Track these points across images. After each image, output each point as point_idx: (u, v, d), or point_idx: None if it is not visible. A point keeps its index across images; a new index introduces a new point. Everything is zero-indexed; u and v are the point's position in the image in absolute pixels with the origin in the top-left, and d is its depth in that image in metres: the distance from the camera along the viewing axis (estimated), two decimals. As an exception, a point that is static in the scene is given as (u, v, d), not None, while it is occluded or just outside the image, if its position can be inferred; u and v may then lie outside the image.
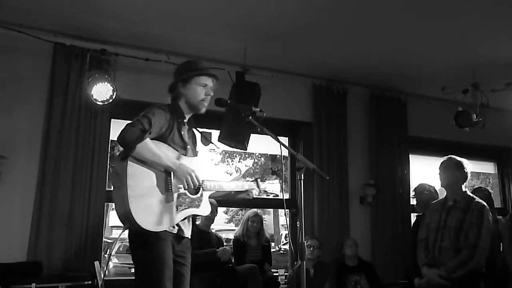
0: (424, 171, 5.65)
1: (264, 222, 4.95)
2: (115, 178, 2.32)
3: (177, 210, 2.37)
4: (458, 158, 3.60)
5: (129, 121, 2.28)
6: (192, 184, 2.40)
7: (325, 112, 5.17)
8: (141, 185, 2.25)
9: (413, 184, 5.00)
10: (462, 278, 3.27)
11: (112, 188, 2.38)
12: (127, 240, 2.42)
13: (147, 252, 2.29)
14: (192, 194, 2.48)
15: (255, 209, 4.83)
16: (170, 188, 2.35)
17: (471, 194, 3.55)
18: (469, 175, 3.58)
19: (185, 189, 2.42)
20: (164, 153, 2.36)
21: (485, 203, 3.46)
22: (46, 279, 3.60)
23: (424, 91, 5.59)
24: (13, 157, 3.86)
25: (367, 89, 5.51)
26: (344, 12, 3.80)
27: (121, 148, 2.30)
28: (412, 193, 4.85)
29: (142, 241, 2.29)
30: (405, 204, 5.40)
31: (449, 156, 3.66)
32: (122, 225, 2.31)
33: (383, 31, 4.16)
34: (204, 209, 2.56)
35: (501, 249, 4.31)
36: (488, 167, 6.99)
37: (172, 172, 2.36)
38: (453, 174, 3.54)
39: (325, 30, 4.13)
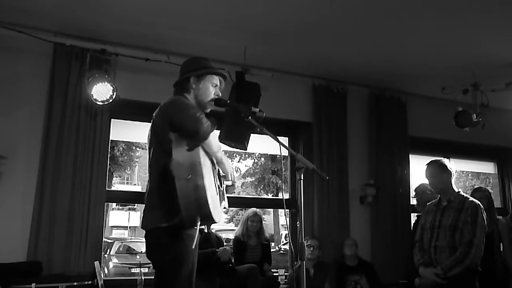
0: (424, 171, 5.64)
1: (264, 222, 4.94)
2: (179, 168, 2.13)
3: (219, 202, 2.41)
4: (439, 160, 3.71)
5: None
6: (234, 178, 2.45)
7: (325, 112, 5.16)
8: (207, 177, 2.19)
9: (413, 184, 5.01)
10: (458, 277, 3.30)
11: (176, 179, 2.14)
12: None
13: (181, 249, 2.23)
14: (220, 187, 2.52)
15: (254, 209, 4.81)
16: (219, 180, 2.40)
17: (464, 194, 3.61)
18: (454, 172, 3.66)
19: (226, 182, 2.49)
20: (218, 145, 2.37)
21: (478, 202, 3.52)
22: (46, 279, 3.61)
23: (424, 91, 5.59)
24: (13, 157, 3.85)
25: (367, 89, 5.50)
26: (344, 12, 3.80)
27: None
28: (412, 193, 4.86)
29: (175, 238, 2.21)
30: (405, 204, 5.39)
31: (430, 161, 3.76)
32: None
33: (383, 31, 4.16)
34: (226, 201, 2.62)
35: (501, 249, 4.32)
36: (488, 167, 7.00)
37: (220, 165, 2.38)
38: (441, 179, 3.63)
39: (325, 30, 4.13)
